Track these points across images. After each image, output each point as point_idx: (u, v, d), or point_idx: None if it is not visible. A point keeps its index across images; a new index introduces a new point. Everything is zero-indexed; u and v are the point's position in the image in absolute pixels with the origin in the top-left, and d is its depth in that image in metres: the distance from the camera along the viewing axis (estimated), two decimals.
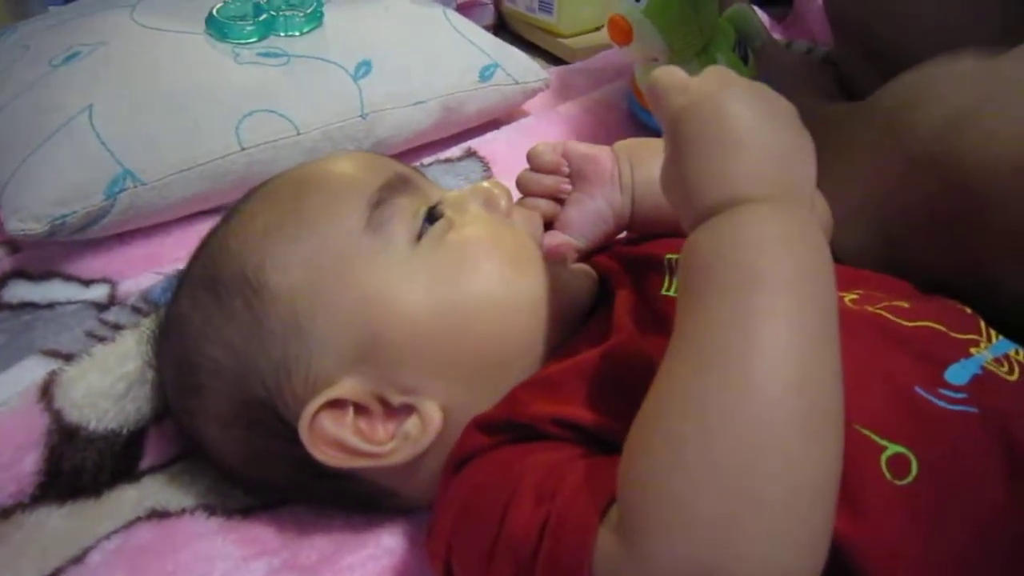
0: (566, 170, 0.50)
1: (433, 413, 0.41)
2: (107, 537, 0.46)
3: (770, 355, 0.29)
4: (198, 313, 0.44)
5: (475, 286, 0.42)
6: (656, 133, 0.83)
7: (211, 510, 0.48)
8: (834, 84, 0.83)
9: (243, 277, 0.42)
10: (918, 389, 0.37)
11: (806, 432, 0.29)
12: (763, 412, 0.28)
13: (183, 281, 0.47)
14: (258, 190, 0.47)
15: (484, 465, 0.37)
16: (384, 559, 0.44)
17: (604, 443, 0.36)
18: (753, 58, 0.82)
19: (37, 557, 0.45)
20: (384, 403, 0.42)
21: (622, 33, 0.74)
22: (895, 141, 0.51)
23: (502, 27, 1.17)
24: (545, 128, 0.81)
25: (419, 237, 0.43)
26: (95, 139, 0.64)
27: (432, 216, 0.44)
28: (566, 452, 0.36)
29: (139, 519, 0.47)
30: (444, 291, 0.42)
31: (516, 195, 0.50)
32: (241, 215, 0.45)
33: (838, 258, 0.56)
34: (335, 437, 0.40)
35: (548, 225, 0.49)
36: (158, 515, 0.48)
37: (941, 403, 0.36)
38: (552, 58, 1.09)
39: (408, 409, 0.41)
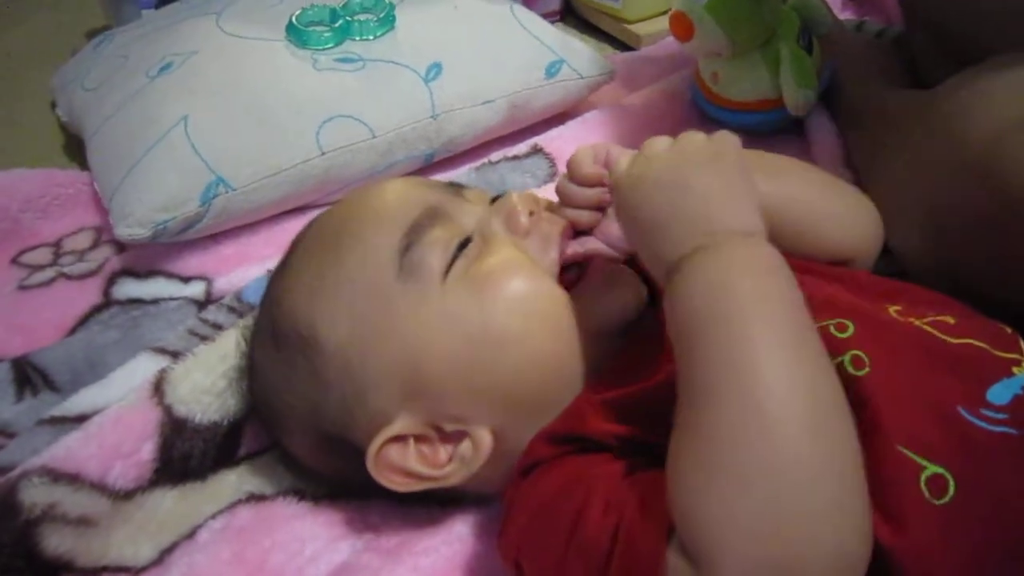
0: (608, 180, 0.49)
1: (484, 437, 0.45)
2: (213, 517, 0.52)
3: (752, 375, 0.33)
4: (268, 364, 0.50)
5: (495, 320, 0.44)
6: (718, 124, 0.84)
7: (301, 494, 0.53)
8: (903, 69, 0.82)
9: (298, 335, 0.47)
10: (961, 410, 0.38)
11: (811, 429, 0.32)
12: (769, 424, 0.32)
13: (256, 328, 0.53)
14: (303, 238, 0.52)
15: (552, 473, 0.41)
16: (456, 545, 0.48)
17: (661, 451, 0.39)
18: (818, 46, 0.81)
19: (154, 533, 0.51)
20: (439, 430, 0.46)
21: (684, 29, 0.75)
22: (948, 145, 0.52)
23: (569, 12, 1.18)
24: (609, 122, 0.83)
25: (449, 269, 0.46)
26: (190, 149, 0.70)
27: (462, 246, 0.46)
28: (629, 464, 0.39)
29: (239, 501, 0.53)
30: (468, 328, 0.44)
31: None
32: (289, 271, 0.50)
33: (897, 256, 0.57)
34: (400, 466, 0.45)
35: (586, 232, 0.49)
36: (255, 498, 0.53)
37: (983, 424, 0.37)
38: (618, 43, 1.10)
39: (461, 434, 0.45)
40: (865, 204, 0.56)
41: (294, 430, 0.50)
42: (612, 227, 0.50)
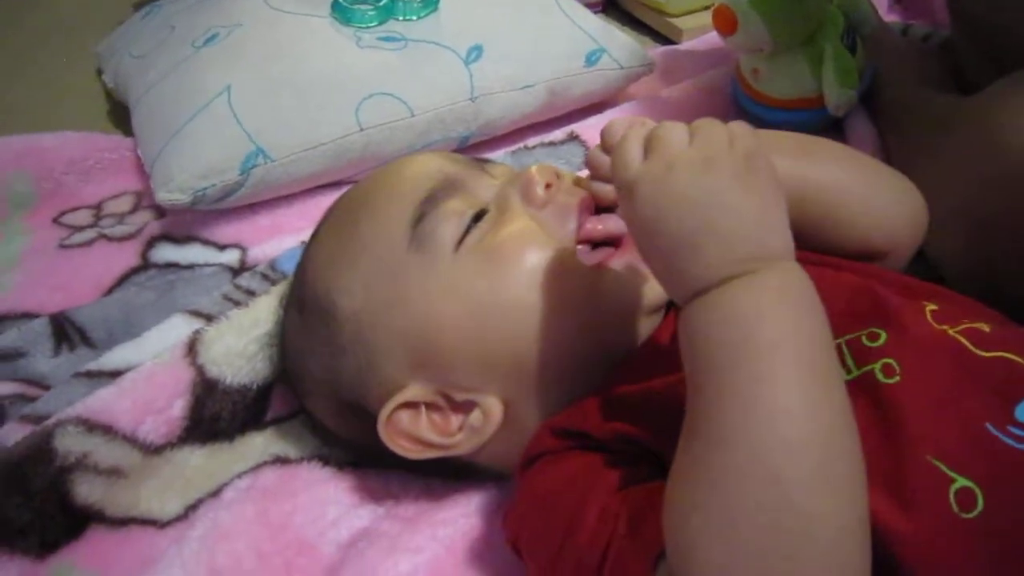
0: (620, 175, 0.49)
1: (494, 406, 0.45)
2: (239, 476, 0.53)
3: (769, 420, 0.32)
4: (293, 330, 0.52)
5: (505, 291, 0.45)
6: (757, 121, 0.84)
7: (325, 460, 0.54)
8: (948, 74, 0.81)
9: (317, 302, 0.49)
10: (989, 426, 0.37)
11: (818, 485, 0.31)
12: (772, 477, 0.31)
13: (288, 295, 0.54)
14: (331, 209, 0.53)
15: (554, 468, 0.42)
16: (474, 518, 0.49)
17: (663, 459, 0.39)
18: (862, 46, 0.81)
19: (181, 489, 0.53)
20: (449, 399, 0.46)
21: (727, 23, 0.75)
22: (989, 151, 0.51)
23: (611, 4, 1.18)
24: (647, 113, 0.83)
25: (463, 240, 0.46)
26: (232, 119, 0.71)
27: (478, 218, 0.46)
28: (628, 472, 0.39)
29: (265, 463, 0.54)
30: (480, 297, 0.45)
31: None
32: (315, 240, 0.52)
33: (934, 261, 0.57)
34: (411, 432, 0.46)
35: (610, 208, 0.48)
36: (281, 461, 0.54)
37: (1010, 441, 0.37)
38: (660, 36, 1.10)
39: (472, 404, 0.46)
40: (910, 189, 0.53)
41: (316, 394, 0.51)
42: None
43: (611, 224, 0.47)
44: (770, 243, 0.35)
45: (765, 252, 0.35)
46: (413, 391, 0.46)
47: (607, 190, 0.47)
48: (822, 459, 0.31)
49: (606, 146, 0.47)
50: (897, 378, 0.39)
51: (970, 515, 0.35)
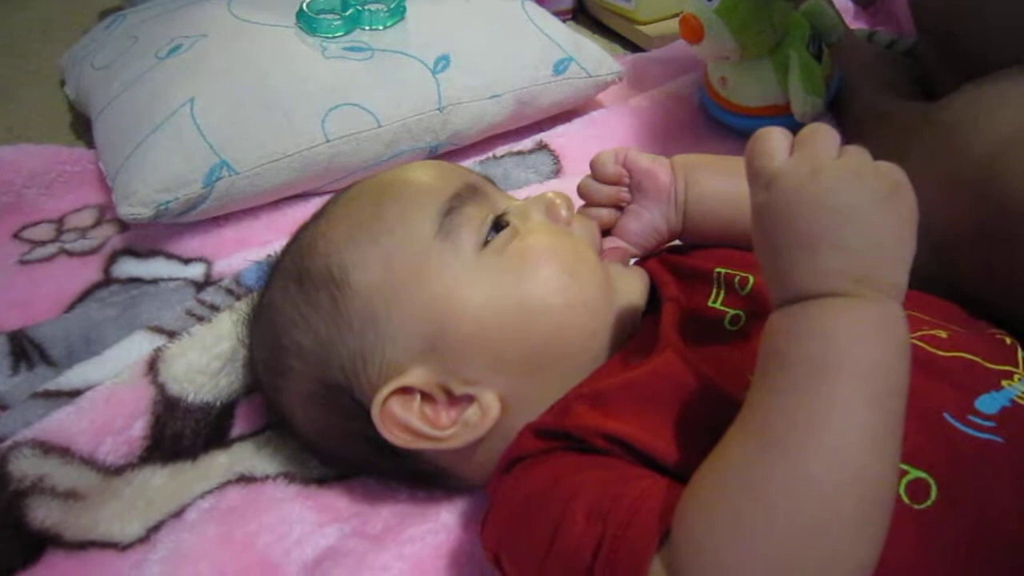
0: (627, 180, 0.53)
1: (492, 403, 0.45)
2: (202, 496, 0.52)
3: (828, 449, 0.32)
4: (288, 303, 0.49)
5: (534, 290, 0.46)
6: (725, 128, 0.84)
7: (291, 478, 0.53)
8: (912, 80, 0.82)
9: (328, 274, 0.47)
10: (947, 415, 0.38)
11: (856, 527, 0.31)
12: (816, 505, 0.31)
13: (275, 272, 0.52)
14: (343, 195, 0.52)
15: (535, 472, 0.41)
16: (442, 534, 0.48)
17: (647, 457, 0.39)
18: (827, 54, 0.81)
19: (142, 511, 0.51)
20: (448, 392, 0.46)
21: (693, 32, 0.75)
22: (949, 158, 0.52)
23: (581, 11, 1.18)
24: (616, 122, 0.84)
25: (485, 243, 0.47)
26: (195, 131, 0.70)
27: (498, 225, 0.48)
28: (615, 471, 0.39)
29: (229, 482, 0.53)
30: (506, 293, 0.45)
31: (578, 202, 0.54)
32: (329, 218, 0.50)
33: None
34: (403, 420, 0.45)
35: (606, 232, 0.52)
36: (245, 480, 0.53)
37: (969, 430, 0.38)
38: (629, 44, 1.10)
39: (469, 398, 0.45)
40: None
41: (296, 376, 0.49)
42: (630, 224, 0.52)
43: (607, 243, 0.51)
44: (888, 275, 0.34)
45: (879, 282, 0.34)
46: (414, 376, 0.45)
47: (599, 213, 0.52)
48: (867, 503, 0.32)
49: (597, 176, 0.53)
50: None
51: (922, 506, 0.36)
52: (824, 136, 0.37)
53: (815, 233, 0.34)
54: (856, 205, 0.34)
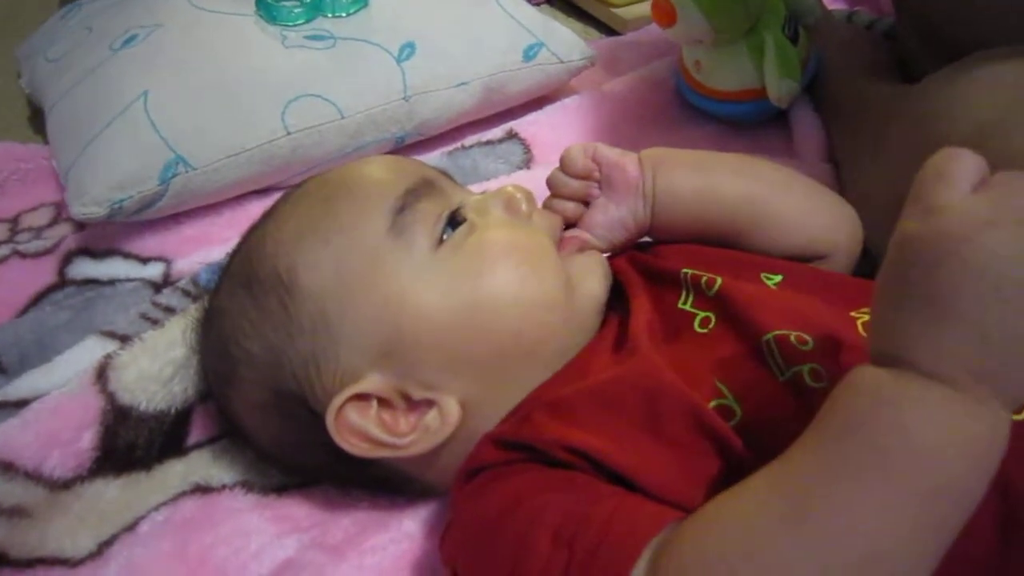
0: (596, 175, 0.51)
1: (452, 408, 0.43)
2: (156, 509, 0.50)
3: (858, 555, 0.28)
4: (235, 308, 0.47)
5: (492, 287, 0.44)
6: (701, 113, 0.82)
7: (249, 487, 0.51)
8: (892, 62, 0.80)
9: (277, 277, 0.45)
10: None
11: None
12: None
13: (224, 276, 0.50)
14: (292, 194, 0.50)
15: (497, 489, 0.39)
16: (404, 543, 0.47)
17: (612, 471, 0.37)
18: (804, 36, 0.79)
19: (94, 525, 0.49)
20: (406, 398, 0.44)
21: (665, 15, 0.73)
22: (926, 144, 0.50)
23: None
24: (588, 108, 0.81)
25: (441, 241, 0.45)
26: (149, 126, 0.67)
27: (454, 220, 0.46)
28: (581, 491, 0.37)
29: (184, 493, 0.51)
30: (462, 293, 0.44)
31: (548, 193, 0.52)
32: (276, 218, 0.48)
33: (876, 251, 0.56)
34: (359, 428, 0.43)
35: (572, 225, 0.51)
36: (201, 490, 0.51)
37: None
38: (604, 27, 1.08)
39: (429, 403, 0.44)
40: (831, 202, 0.53)
41: (246, 385, 0.47)
42: (596, 217, 0.50)
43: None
44: (1017, 384, 0.29)
45: (1003, 388, 0.29)
46: (371, 382, 0.43)
47: (566, 206, 0.51)
48: None
49: (566, 170, 0.51)
50: (824, 383, 0.38)
51: None
52: (1019, 187, 0.30)
53: (957, 301, 0.28)
54: (1021, 286, 0.28)
